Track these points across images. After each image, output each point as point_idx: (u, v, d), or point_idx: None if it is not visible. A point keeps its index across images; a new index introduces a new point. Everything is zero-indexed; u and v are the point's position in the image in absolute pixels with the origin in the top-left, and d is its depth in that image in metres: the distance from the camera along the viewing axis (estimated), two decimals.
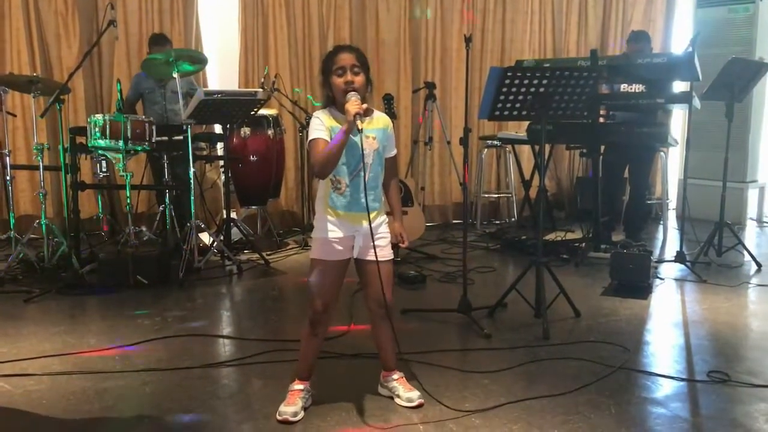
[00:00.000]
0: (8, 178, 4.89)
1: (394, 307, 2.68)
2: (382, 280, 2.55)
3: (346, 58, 2.49)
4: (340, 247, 2.55)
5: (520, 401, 2.70)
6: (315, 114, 2.55)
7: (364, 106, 2.43)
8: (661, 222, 6.54)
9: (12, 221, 4.93)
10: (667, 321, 3.84)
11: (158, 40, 5.55)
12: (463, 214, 4.34)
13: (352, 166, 2.51)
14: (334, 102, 2.54)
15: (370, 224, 2.49)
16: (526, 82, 3.65)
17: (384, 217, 2.64)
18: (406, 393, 2.68)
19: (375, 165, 2.55)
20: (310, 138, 2.50)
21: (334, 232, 2.53)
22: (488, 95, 3.76)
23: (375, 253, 2.53)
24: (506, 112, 3.83)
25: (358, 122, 2.37)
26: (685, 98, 4.94)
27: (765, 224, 7.00)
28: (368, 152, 2.50)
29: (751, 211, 7.08)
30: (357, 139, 2.44)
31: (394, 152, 2.70)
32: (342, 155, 2.45)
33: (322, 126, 2.49)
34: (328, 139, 2.45)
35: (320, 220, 2.57)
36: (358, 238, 2.55)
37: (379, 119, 2.61)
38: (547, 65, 5.33)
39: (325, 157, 2.44)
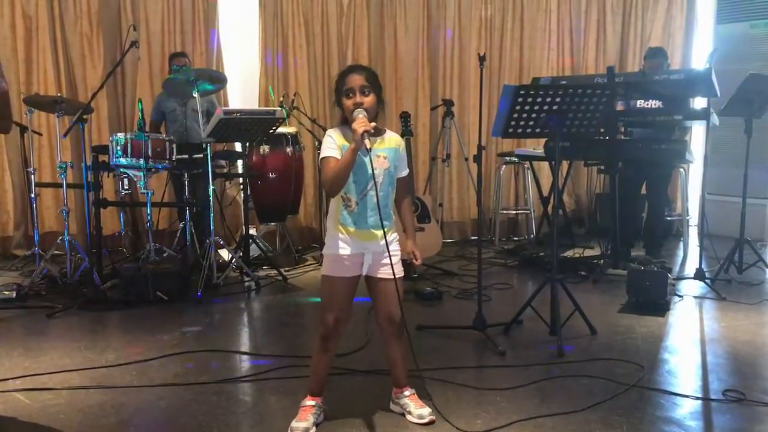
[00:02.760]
0: (33, 195, 5.02)
1: (402, 323, 2.68)
2: (395, 296, 2.58)
3: (355, 80, 2.52)
4: (349, 264, 2.57)
5: (532, 419, 2.69)
6: (328, 132, 2.61)
7: (372, 124, 2.46)
8: (682, 238, 6.48)
9: (36, 237, 5.05)
10: (685, 339, 3.81)
11: (176, 55, 5.76)
12: (477, 230, 4.35)
13: (361, 184, 2.54)
14: (346, 121, 2.58)
15: (386, 239, 2.53)
16: (539, 99, 3.66)
17: (395, 235, 2.66)
18: (417, 410, 2.68)
19: (385, 184, 2.58)
20: (321, 156, 2.55)
21: (344, 249, 2.56)
22: (501, 113, 3.77)
23: (392, 269, 2.55)
24: (520, 130, 3.83)
25: (366, 141, 2.39)
26: (703, 114, 4.92)
27: None
28: (378, 171, 2.52)
29: None
30: (366, 158, 2.47)
31: (406, 172, 2.72)
32: (351, 174, 2.49)
33: (333, 144, 2.53)
34: (339, 158, 2.49)
35: (331, 237, 2.60)
36: (368, 255, 2.58)
37: (391, 139, 2.64)
38: (563, 83, 5.33)
39: (333, 175, 2.48)
